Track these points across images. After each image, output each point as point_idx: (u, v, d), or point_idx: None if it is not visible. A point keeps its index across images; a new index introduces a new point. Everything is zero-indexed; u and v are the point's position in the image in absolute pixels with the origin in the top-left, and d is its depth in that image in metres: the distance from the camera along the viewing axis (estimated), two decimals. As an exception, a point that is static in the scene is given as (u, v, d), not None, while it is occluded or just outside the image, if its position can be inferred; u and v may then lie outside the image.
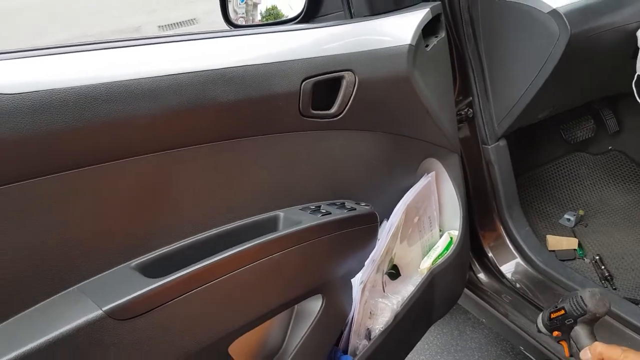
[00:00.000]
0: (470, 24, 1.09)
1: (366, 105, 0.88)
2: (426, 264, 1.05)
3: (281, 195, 0.80)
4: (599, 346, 0.68)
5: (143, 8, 7.10)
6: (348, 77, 0.85)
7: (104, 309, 0.54)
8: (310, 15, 1.06)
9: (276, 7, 1.65)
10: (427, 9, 0.96)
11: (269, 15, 1.65)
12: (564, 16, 0.97)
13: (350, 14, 0.95)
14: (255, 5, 1.73)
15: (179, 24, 6.19)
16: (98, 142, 0.59)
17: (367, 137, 0.92)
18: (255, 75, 0.73)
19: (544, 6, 0.99)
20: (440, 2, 1.00)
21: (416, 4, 1.00)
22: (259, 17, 1.63)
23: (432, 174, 1.06)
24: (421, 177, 1.05)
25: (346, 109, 0.85)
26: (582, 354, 0.72)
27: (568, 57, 1.02)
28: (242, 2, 1.72)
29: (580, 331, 0.75)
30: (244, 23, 1.44)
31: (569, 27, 0.97)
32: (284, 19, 1.20)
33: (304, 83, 0.78)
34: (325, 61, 0.82)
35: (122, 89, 0.60)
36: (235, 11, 1.67)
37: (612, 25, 1.04)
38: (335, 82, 0.84)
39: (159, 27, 6.20)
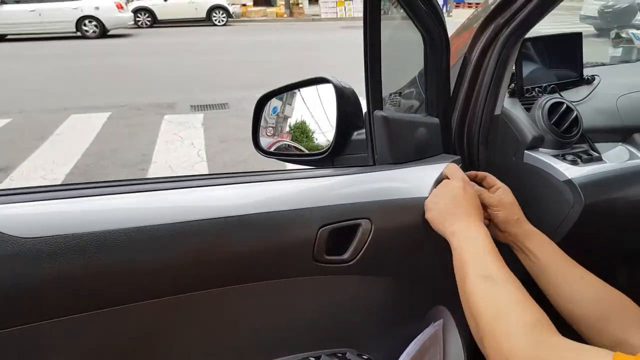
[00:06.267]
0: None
1: (380, 252, 0.89)
2: (424, 419, 1.00)
3: (283, 341, 0.79)
4: None
5: (181, 87, 7.54)
6: (364, 225, 0.87)
7: None
8: (337, 152, 1.11)
9: (305, 123, 1.73)
10: (447, 163, 1.00)
11: (297, 129, 1.73)
12: (578, 187, 1.00)
13: (374, 161, 0.99)
14: (285, 118, 1.81)
15: (211, 107, 6.51)
16: (111, 287, 0.60)
17: (377, 282, 0.92)
18: (273, 223, 0.75)
19: (560, 174, 1.03)
20: (460, 157, 1.04)
21: (438, 154, 1.04)
22: (287, 129, 1.70)
23: (440, 322, 1.04)
24: (428, 325, 1.03)
25: (359, 255, 0.86)
26: None
27: (582, 222, 1.04)
28: (273, 113, 1.81)
29: None
30: (272, 142, 1.50)
31: (583, 198, 1.00)
32: (311, 152, 1.25)
33: (320, 230, 0.80)
34: (344, 209, 0.84)
35: (141, 235, 0.62)
36: (265, 119, 1.75)
37: (626, 198, 1.06)
38: (351, 229, 0.86)
39: (192, 106, 6.53)
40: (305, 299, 0.82)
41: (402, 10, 1.00)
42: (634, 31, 5.41)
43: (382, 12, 0.98)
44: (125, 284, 0.62)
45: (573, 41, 1.28)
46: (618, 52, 5.45)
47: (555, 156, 1.07)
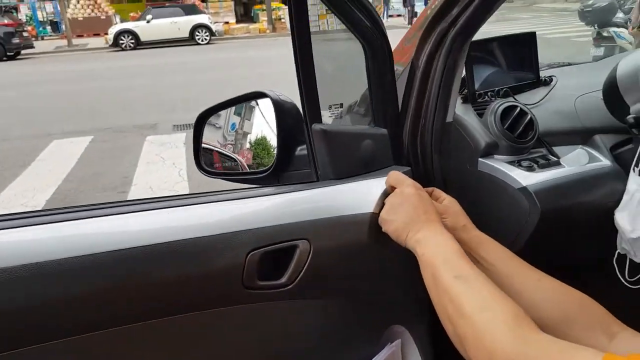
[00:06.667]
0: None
1: (322, 274, 0.84)
2: None
3: None
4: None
5: (164, 107, 7.50)
6: (302, 246, 0.81)
7: None
8: (281, 169, 1.06)
9: (265, 139, 1.68)
10: (396, 175, 0.95)
11: (258, 145, 1.69)
12: (533, 194, 0.96)
13: (317, 177, 0.94)
14: (245, 134, 1.77)
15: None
16: (20, 328, 0.56)
17: (323, 305, 0.87)
18: (196, 250, 0.70)
19: (515, 182, 0.98)
20: (410, 168, 0.99)
21: (388, 166, 0.99)
22: (247, 146, 1.66)
23: (397, 342, 0.99)
24: (384, 346, 0.97)
25: (298, 279, 0.81)
26: None
27: (541, 230, 0.99)
28: (232, 130, 1.76)
29: None
30: (220, 162, 1.45)
31: (539, 205, 0.95)
32: (254, 170, 1.21)
33: (250, 255, 0.75)
34: (277, 230, 0.79)
35: (45, 270, 0.58)
36: (224, 137, 1.70)
37: (583, 205, 1.02)
38: (287, 251, 0.81)
39: (174, 126, 6.48)
40: (239, 328, 0.76)
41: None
42: (615, 29, 5.40)
43: (324, 19, 0.94)
44: (35, 323, 0.57)
45: (527, 41, 1.24)
46: (600, 51, 5.44)
47: (511, 163, 1.02)
